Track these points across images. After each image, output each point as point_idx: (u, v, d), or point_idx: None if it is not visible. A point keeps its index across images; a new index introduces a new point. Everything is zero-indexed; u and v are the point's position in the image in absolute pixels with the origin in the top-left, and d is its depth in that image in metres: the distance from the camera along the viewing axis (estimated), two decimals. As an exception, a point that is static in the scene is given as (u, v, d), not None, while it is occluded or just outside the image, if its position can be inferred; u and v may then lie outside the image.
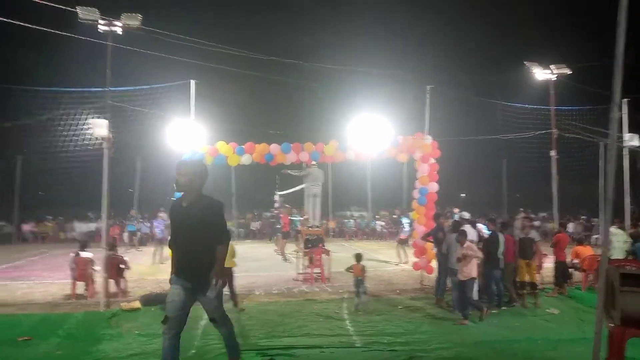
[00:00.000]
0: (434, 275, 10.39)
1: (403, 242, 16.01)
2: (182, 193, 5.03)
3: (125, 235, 23.04)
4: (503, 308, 9.29)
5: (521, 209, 23.76)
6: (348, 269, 9.68)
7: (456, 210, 20.15)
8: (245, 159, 11.26)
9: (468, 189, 39.34)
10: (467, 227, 10.00)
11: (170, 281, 5.00)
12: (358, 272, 9.47)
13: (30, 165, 23.93)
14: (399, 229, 16.79)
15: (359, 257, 9.74)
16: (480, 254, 8.51)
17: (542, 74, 14.24)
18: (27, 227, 27.52)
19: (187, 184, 4.91)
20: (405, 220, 16.45)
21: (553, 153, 13.93)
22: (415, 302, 9.98)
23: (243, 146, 11.23)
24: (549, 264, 11.35)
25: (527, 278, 9.82)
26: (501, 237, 9.50)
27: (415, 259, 11.79)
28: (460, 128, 23.79)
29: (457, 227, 9.55)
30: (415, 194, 11.81)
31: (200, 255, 4.85)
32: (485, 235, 10.15)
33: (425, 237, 10.82)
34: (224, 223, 5.06)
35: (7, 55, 31.61)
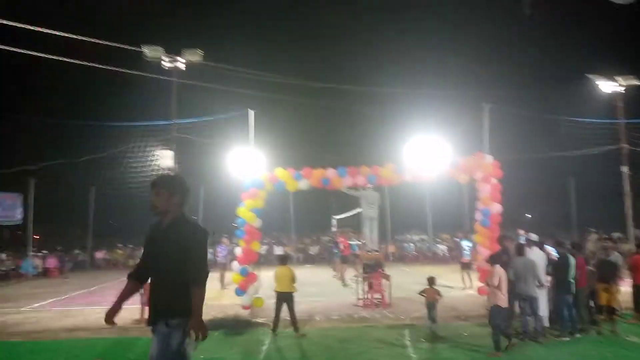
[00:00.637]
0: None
1: (466, 267, 15.53)
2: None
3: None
4: (577, 335, 8.76)
5: (592, 230, 22.45)
6: (421, 293, 9.50)
7: (521, 232, 19.31)
8: (303, 184, 11.41)
9: (534, 210, 37.70)
10: (535, 250, 9.59)
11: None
12: (431, 296, 9.30)
13: (102, 195, 25.36)
14: (460, 253, 16.28)
15: (432, 280, 9.54)
16: (502, 288, 7.98)
17: (608, 86, 13.60)
18: (99, 255, 29.03)
19: (163, 204, 3.95)
20: (465, 243, 15.97)
21: (625, 169, 13.15)
22: (482, 329, 9.58)
23: (300, 172, 11.41)
24: (627, 288, 10.62)
25: (605, 302, 9.23)
26: (572, 260, 9.02)
27: (480, 284, 11.38)
28: (522, 146, 23.02)
29: (521, 250, 9.17)
30: (478, 215, 11.48)
31: (169, 292, 3.90)
32: (555, 258, 9.67)
33: (489, 260, 10.44)
34: (204, 258, 4.02)
35: (80, 95, 34.05)
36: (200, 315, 3.94)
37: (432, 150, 11.39)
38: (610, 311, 9.20)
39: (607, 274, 9.31)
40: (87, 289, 17.96)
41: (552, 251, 10.14)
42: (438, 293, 9.36)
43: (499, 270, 8.10)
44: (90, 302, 14.61)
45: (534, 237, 10.31)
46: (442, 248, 28.67)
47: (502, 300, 7.88)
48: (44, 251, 24.90)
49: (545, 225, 29.91)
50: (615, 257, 9.75)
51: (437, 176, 11.57)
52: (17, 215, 17.82)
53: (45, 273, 23.63)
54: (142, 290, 11.23)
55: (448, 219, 31.33)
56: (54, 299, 15.19)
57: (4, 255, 22.66)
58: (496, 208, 11.17)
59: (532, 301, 8.63)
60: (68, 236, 30.19)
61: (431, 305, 9.18)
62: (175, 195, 3.97)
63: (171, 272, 3.86)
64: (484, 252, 11.00)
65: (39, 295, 15.98)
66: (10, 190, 19.48)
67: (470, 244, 15.65)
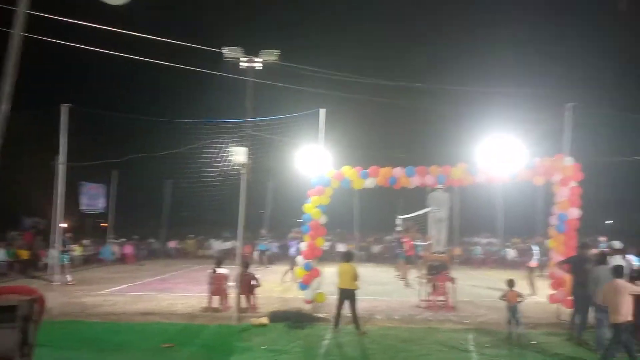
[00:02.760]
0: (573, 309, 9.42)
1: (532, 271, 14.81)
2: None
3: (256, 253, 24.38)
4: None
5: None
6: (501, 297, 9.36)
7: (603, 239, 18.13)
8: (369, 183, 11.37)
9: (617, 216, 35.27)
10: (617, 258, 9.01)
11: None
12: (512, 298, 9.10)
13: (177, 188, 26.65)
14: (528, 257, 15.50)
15: (511, 282, 9.40)
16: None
17: None
18: (171, 244, 30.43)
19: None
20: (535, 248, 15.28)
21: None
22: (551, 338, 9.15)
23: (367, 170, 11.37)
24: None
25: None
26: (657, 271, 8.38)
27: (552, 291, 10.82)
28: (606, 148, 21.57)
29: (603, 258, 8.64)
30: (553, 220, 10.93)
31: None
32: (637, 267, 9.03)
33: (560, 265, 9.93)
34: None
35: (160, 93, 35.92)
36: None
37: (506, 151, 10.95)
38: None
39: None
40: (160, 276, 18.89)
41: (634, 260, 9.48)
42: (520, 295, 9.16)
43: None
44: (162, 288, 15.37)
45: (616, 245, 9.65)
46: (511, 253, 27.50)
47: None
48: (122, 239, 26.47)
49: (628, 232, 27.90)
50: None
51: (511, 178, 11.12)
52: (100, 204, 19.10)
53: (122, 259, 25.16)
54: (210, 280, 11.76)
55: (520, 222, 30.00)
56: (130, 284, 16.12)
57: (86, 242, 24.35)
58: (574, 213, 10.59)
59: (611, 313, 8.09)
60: (143, 225, 31.88)
61: (514, 309, 9.02)
62: None
63: None
64: (557, 259, 10.46)
65: (116, 280, 17.04)
66: (94, 181, 20.87)
67: (538, 249, 14.98)
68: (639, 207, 31.31)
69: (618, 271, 7.75)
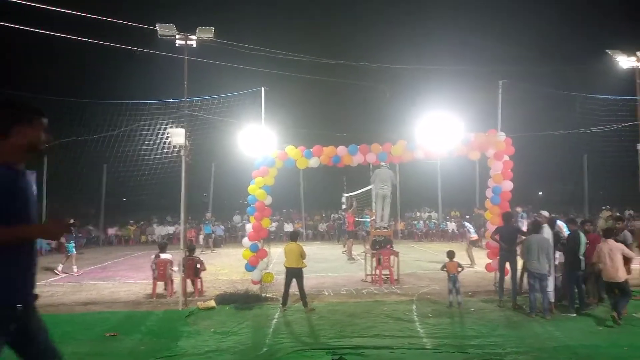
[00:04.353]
0: (509, 277, 9.98)
1: (474, 244, 15.56)
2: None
3: (201, 237, 24.06)
4: (585, 311, 8.79)
5: (603, 207, 22.24)
6: (442, 268, 9.76)
7: (519, 209, 19.20)
8: (313, 162, 11.40)
9: (546, 187, 37.47)
10: (545, 227, 9.57)
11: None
12: (452, 269, 9.49)
13: (115, 173, 25.61)
14: (466, 231, 16.31)
15: (451, 254, 9.79)
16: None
17: (627, 62, 13.27)
18: (111, 231, 29.42)
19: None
20: (467, 224, 16.15)
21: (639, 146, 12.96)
22: (489, 304, 9.67)
23: (311, 149, 11.39)
24: (635, 265, 10.56)
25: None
26: (582, 237, 9.00)
27: (489, 260, 11.39)
28: (536, 123, 22.72)
29: (537, 227, 9.17)
30: (489, 193, 11.44)
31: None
32: (565, 235, 9.65)
33: (492, 236, 10.50)
34: None
35: (93, 73, 34.13)
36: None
37: (444, 127, 11.28)
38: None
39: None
40: (100, 264, 18.29)
41: (563, 227, 10.13)
42: (459, 265, 9.57)
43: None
44: (103, 276, 14.90)
45: (545, 213, 10.28)
46: (451, 226, 28.66)
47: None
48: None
49: (557, 202, 29.73)
50: (624, 235, 9.70)
51: (449, 153, 11.49)
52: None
53: (58, 248, 23.99)
54: (154, 266, 11.48)
55: (459, 196, 31.23)
56: (68, 274, 15.49)
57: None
58: (507, 185, 11.12)
59: (542, 278, 8.65)
60: (81, 213, 30.52)
61: (454, 279, 9.43)
62: None
63: None
64: (492, 229, 11.00)
65: (53, 270, 16.31)
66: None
67: (470, 224, 15.79)
68: (566, 178, 33.35)
69: (611, 232, 8.51)
